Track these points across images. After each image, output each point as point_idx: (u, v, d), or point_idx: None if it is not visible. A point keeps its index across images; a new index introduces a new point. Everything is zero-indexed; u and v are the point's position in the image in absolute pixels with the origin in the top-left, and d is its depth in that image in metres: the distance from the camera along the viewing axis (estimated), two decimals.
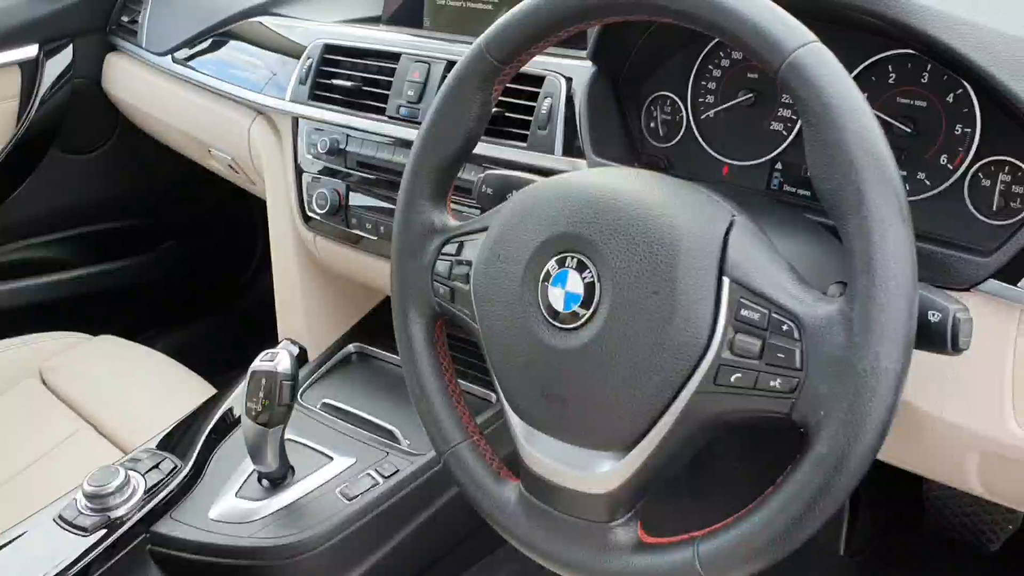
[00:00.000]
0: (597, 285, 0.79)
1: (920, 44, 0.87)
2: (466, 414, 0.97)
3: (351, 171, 1.46)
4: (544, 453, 0.86)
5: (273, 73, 1.63)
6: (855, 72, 1.01)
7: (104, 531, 1.20)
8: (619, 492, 0.81)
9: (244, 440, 1.24)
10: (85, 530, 1.20)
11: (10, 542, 1.20)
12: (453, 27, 1.49)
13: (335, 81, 1.45)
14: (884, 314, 0.66)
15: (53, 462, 1.44)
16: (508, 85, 1.23)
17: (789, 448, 0.75)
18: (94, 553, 1.18)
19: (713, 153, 1.15)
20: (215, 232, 2.52)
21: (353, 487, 1.28)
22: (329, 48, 1.49)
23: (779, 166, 1.09)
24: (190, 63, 1.82)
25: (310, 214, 1.52)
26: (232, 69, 1.73)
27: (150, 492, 1.26)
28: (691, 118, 1.16)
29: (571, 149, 1.19)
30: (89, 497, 1.22)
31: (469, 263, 0.91)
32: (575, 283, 0.80)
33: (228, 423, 1.42)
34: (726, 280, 0.75)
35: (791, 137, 1.07)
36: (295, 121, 1.53)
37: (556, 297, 0.81)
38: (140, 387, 1.66)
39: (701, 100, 1.16)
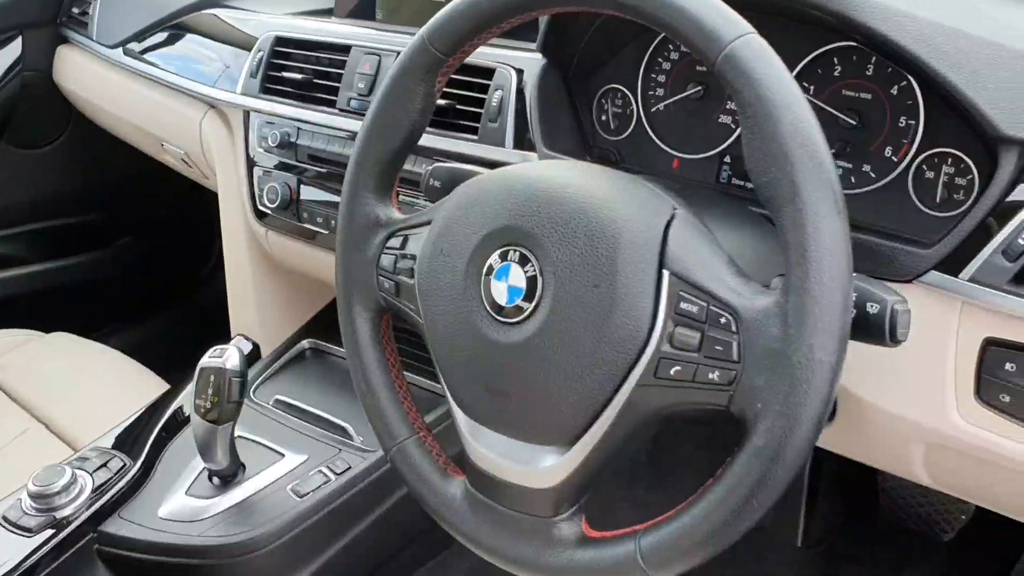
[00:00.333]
0: (539, 279, 0.78)
1: (862, 36, 0.87)
2: (413, 410, 0.96)
3: (302, 165, 1.44)
4: (488, 448, 0.85)
5: (226, 66, 1.61)
6: (801, 64, 1.01)
7: (50, 532, 1.18)
8: (563, 487, 0.81)
9: (194, 438, 1.22)
10: (30, 531, 1.17)
11: None
12: (406, 19, 1.48)
13: (286, 74, 1.44)
14: (818, 306, 0.66)
15: (2, 461, 1.41)
16: (458, 77, 1.24)
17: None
18: (39, 554, 1.16)
19: (663, 146, 1.15)
20: (172, 227, 2.49)
21: (304, 484, 1.27)
22: (280, 40, 1.48)
23: (727, 159, 1.09)
24: (141, 56, 1.80)
25: (261, 208, 1.51)
26: (184, 62, 1.71)
27: (98, 491, 1.24)
28: (641, 111, 1.16)
29: (522, 142, 1.19)
30: (34, 497, 1.20)
31: (414, 257, 0.90)
32: (517, 277, 0.79)
33: (179, 421, 1.40)
34: (666, 273, 0.74)
35: (739, 130, 1.07)
36: (246, 114, 1.52)
37: (499, 291, 0.80)
38: (92, 385, 1.64)
39: (651, 93, 1.15)
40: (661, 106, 1.15)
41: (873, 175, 0.98)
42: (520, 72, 1.20)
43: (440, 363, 0.87)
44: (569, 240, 0.77)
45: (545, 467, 0.81)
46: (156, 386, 1.60)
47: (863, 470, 1.21)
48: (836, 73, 1.00)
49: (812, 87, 1.02)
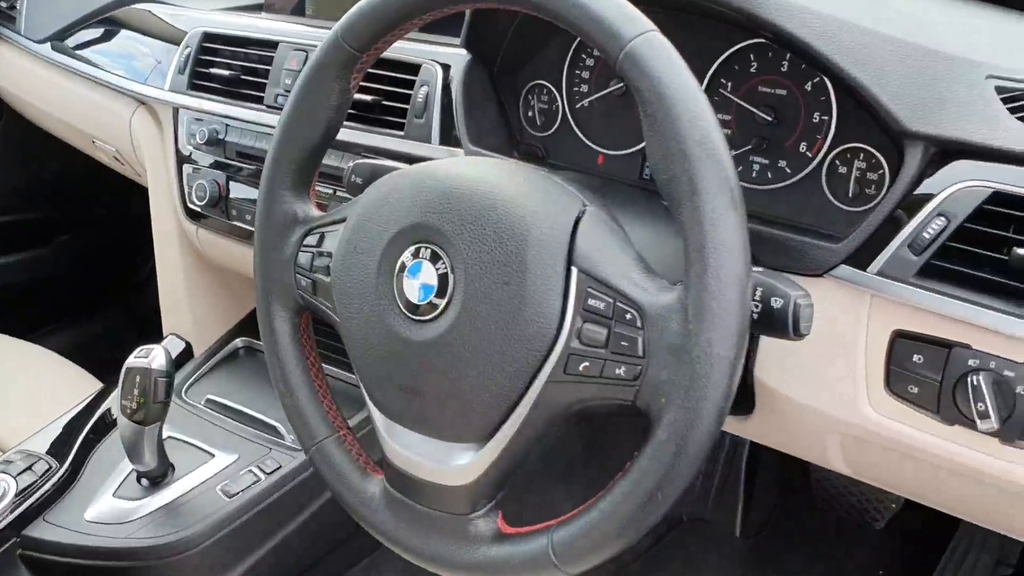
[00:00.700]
0: (451, 276, 0.78)
1: (769, 34, 0.88)
2: (333, 409, 0.96)
3: (231, 161, 1.43)
4: (404, 447, 0.85)
5: (157, 61, 1.59)
6: (718, 62, 1.02)
7: None
8: (478, 484, 0.81)
9: (121, 439, 1.21)
10: None
11: None
12: (335, 14, 1.46)
13: (214, 70, 1.42)
14: (715, 302, 0.67)
15: None
16: (385, 73, 1.23)
17: None
18: None
19: (588, 142, 1.15)
20: (112, 226, 2.45)
21: (234, 484, 1.26)
22: (208, 36, 1.46)
23: None
24: (71, 51, 1.77)
25: (191, 206, 1.49)
26: (114, 57, 1.68)
27: (22, 495, 1.22)
28: (566, 107, 1.16)
29: (448, 138, 1.19)
30: None
31: (330, 255, 0.89)
32: (429, 274, 0.79)
33: (108, 423, 1.38)
34: (574, 270, 0.75)
35: None
36: (175, 111, 1.50)
37: (411, 289, 0.80)
38: (24, 386, 1.61)
39: (576, 89, 1.16)
40: (586, 102, 1.15)
41: (789, 171, 1.00)
42: (446, 68, 1.20)
43: (356, 362, 0.87)
44: (479, 237, 0.77)
45: (460, 465, 0.81)
46: (92, 388, 1.58)
47: (797, 462, 1.22)
48: (752, 70, 1.01)
49: (730, 84, 1.03)
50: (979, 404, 0.81)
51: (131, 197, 2.26)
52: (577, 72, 1.15)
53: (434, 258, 0.79)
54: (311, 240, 0.92)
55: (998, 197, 0.81)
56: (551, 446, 1.71)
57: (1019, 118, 0.83)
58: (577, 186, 0.81)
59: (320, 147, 0.94)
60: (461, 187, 0.79)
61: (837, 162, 0.97)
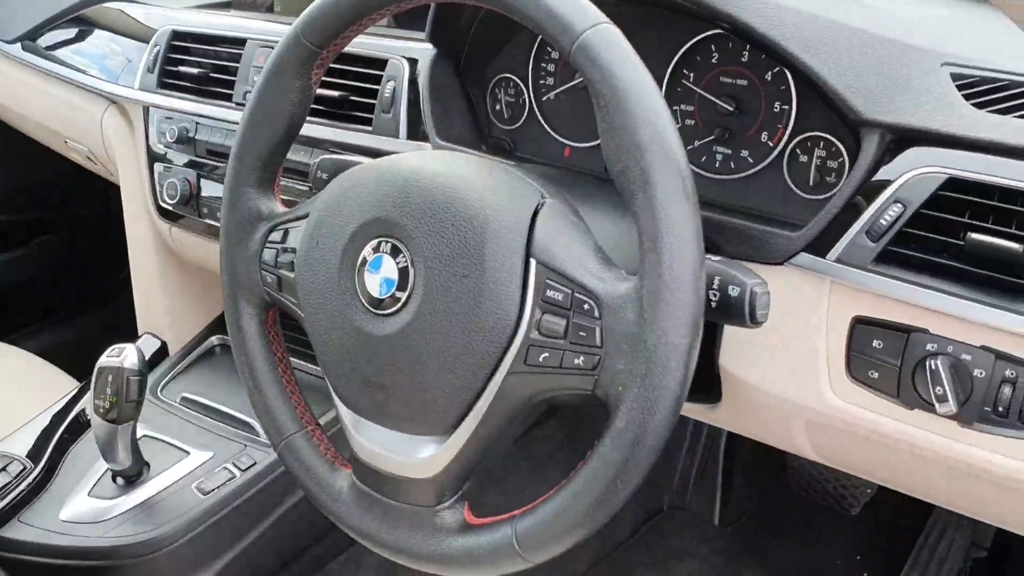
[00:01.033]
0: (411, 269, 0.78)
1: (727, 24, 0.89)
2: (301, 404, 0.96)
3: (202, 160, 1.43)
4: (370, 440, 0.85)
5: (128, 60, 1.58)
6: (680, 52, 1.03)
7: None
8: (443, 476, 0.82)
9: (95, 439, 1.21)
10: None
11: None
12: (303, 10, 1.47)
13: (183, 68, 1.42)
14: (669, 291, 0.67)
15: None
16: (352, 68, 1.23)
17: None
18: None
19: (555, 135, 1.16)
20: (92, 227, 2.44)
21: (209, 481, 1.27)
22: (176, 35, 1.46)
23: None
24: (42, 51, 1.76)
25: (163, 204, 1.49)
26: (85, 57, 1.67)
27: None
28: (533, 100, 1.17)
29: (416, 133, 1.19)
30: None
31: (294, 250, 0.90)
32: (390, 268, 0.79)
33: (82, 423, 1.38)
34: (533, 262, 0.75)
35: None
36: (146, 110, 1.50)
37: (373, 283, 0.80)
38: (0, 388, 1.61)
39: (542, 82, 1.16)
40: (552, 95, 1.16)
41: (751, 160, 1.00)
42: (413, 62, 1.20)
43: (320, 357, 0.87)
44: (438, 231, 0.77)
45: (424, 457, 0.82)
46: (69, 388, 1.58)
47: (773, 450, 1.24)
48: (714, 60, 1.02)
49: (692, 75, 1.03)
50: (937, 388, 0.82)
51: (111, 198, 2.25)
52: (543, 65, 1.16)
53: (394, 252, 0.79)
54: (276, 236, 0.92)
55: (954, 183, 0.82)
56: (529, 442, 1.72)
57: (974, 105, 0.84)
58: (537, 178, 0.82)
59: (283, 143, 0.94)
60: (420, 181, 0.80)
61: (798, 151, 0.97)
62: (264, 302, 0.95)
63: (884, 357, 0.86)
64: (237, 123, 1.35)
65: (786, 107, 0.98)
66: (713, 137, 1.02)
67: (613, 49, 0.70)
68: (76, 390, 1.51)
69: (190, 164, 1.45)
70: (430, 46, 1.18)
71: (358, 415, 0.86)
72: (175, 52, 1.46)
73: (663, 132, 0.69)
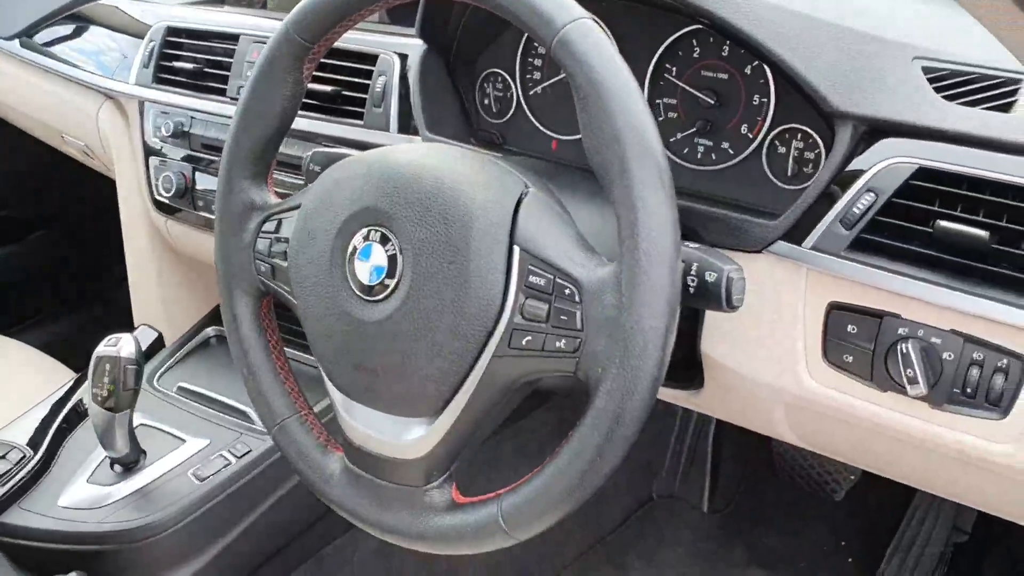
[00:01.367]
0: (399, 257, 0.81)
1: (705, 19, 0.92)
2: (295, 390, 0.99)
3: (197, 153, 1.46)
4: (361, 423, 0.88)
5: (124, 55, 1.61)
6: (663, 47, 1.06)
7: None
8: (431, 456, 0.84)
9: (93, 427, 1.23)
10: None
11: None
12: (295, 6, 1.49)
13: (178, 64, 1.45)
14: (646, 276, 0.70)
15: None
16: (343, 63, 1.26)
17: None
18: None
19: (542, 128, 1.18)
20: (88, 222, 2.46)
21: (205, 468, 1.29)
22: (171, 30, 1.49)
23: None
24: (39, 47, 1.78)
25: (158, 198, 1.52)
26: (82, 53, 1.70)
27: None
28: (520, 94, 1.20)
29: (407, 127, 1.22)
30: None
31: (287, 240, 0.92)
32: (379, 256, 0.82)
33: (80, 412, 1.41)
34: (516, 249, 0.78)
35: None
36: (141, 104, 1.52)
37: (363, 270, 0.83)
38: None
39: (529, 76, 1.19)
40: (539, 89, 1.18)
41: (731, 151, 1.03)
42: (403, 58, 1.23)
43: (313, 343, 0.90)
44: (425, 219, 0.80)
45: (413, 439, 0.84)
46: (67, 379, 1.60)
47: (760, 438, 1.26)
48: (695, 55, 1.04)
49: (674, 69, 1.06)
50: (908, 370, 0.85)
51: (108, 193, 2.28)
52: (530, 60, 1.18)
53: (383, 240, 0.82)
54: (269, 226, 0.95)
55: (924, 172, 0.85)
56: (519, 432, 1.74)
57: (944, 97, 0.87)
58: (522, 170, 0.85)
59: (276, 136, 0.96)
60: (408, 171, 0.82)
61: (777, 142, 1.00)
62: (258, 291, 0.97)
63: (858, 341, 0.89)
64: (231, 117, 1.39)
65: (765, 100, 1.00)
66: (695, 129, 1.05)
67: (592, 44, 0.73)
68: (73, 381, 1.54)
69: (185, 158, 1.48)
70: (420, 41, 1.21)
71: (349, 398, 0.89)
72: (170, 48, 1.48)
73: (640, 124, 0.72)
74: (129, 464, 1.28)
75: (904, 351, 0.85)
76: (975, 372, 0.84)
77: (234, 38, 1.40)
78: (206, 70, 1.42)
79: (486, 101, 1.23)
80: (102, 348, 1.21)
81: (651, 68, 1.07)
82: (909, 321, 0.86)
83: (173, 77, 1.47)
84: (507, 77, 1.21)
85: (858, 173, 0.88)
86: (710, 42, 1.03)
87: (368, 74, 1.25)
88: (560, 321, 0.76)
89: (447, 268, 0.79)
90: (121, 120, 1.60)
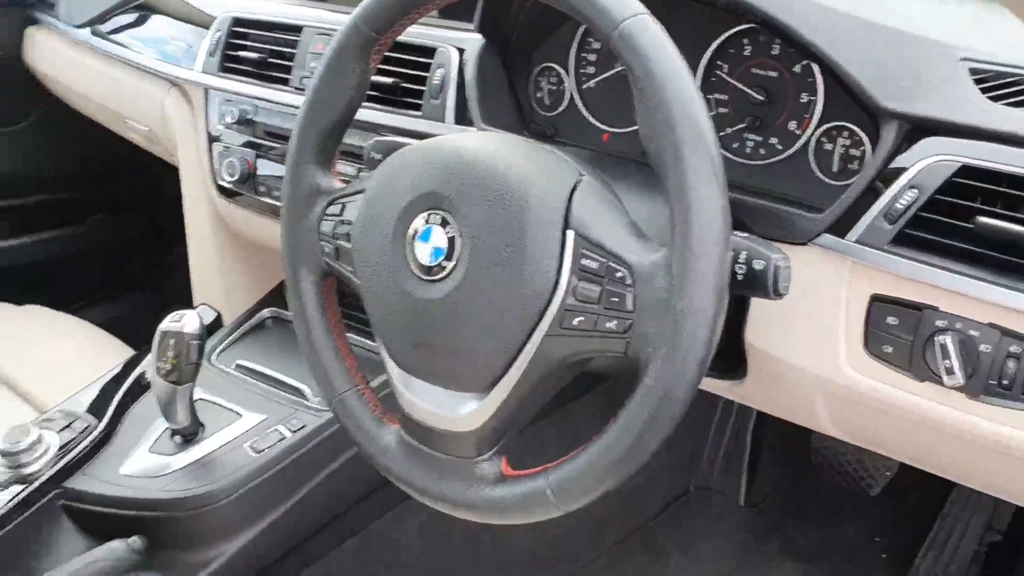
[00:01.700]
0: (458, 240, 0.85)
1: (757, 19, 0.95)
2: (353, 366, 1.03)
3: (260, 141, 1.51)
4: (418, 397, 0.92)
5: (188, 45, 1.67)
6: (715, 45, 1.09)
7: (17, 487, 1.24)
8: (483, 430, 0.88)
9: (156, 399, 1.29)
10: None
11: None
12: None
13: (243, 53, 1.50)
14: (697, 260, 0.74)
15: None
16: (403, 56, 1.31)
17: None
18: (7, 507, 1.22)
19: (594, 121, 1.22)
20: (145, 208, 2.54)
21: (261, 441, 1.34)
22: (237, 21, 1.54)
23: None
24: (108, 36, 1.85)
25: (221, 183, 1.57)
26: (148, 41, 1.76)
27: (63, 449, 1.31)
28: (574, 88, 1.23)
29: (463, 118, 1.26)
30: (2, 454, 1.26)
31: (350, 222, 0.97)
32: (439, 238, 0.87)
33: (142, 385, 1.46)
34: (570, 233, 0.82)
35: None
36: (206, 92, 1.58)
37: (423, 252, 0.88)
38: (62, 353, 1.70)
39: (583, 71, 1.23)
40: (592, 83, 1.22)
41: (779, 147, 1.06)
42: (461, 51, 1.27)
43: (374, 320, 0.95)
44: (483, 204, 0.84)
45: (466, 412, 0.89)
46: (125, 355, 1.66)
47: (798, 432, 1.29)
48: (746, 53, 1.08)
49: (725, 66, 1.09)
50: (946, 361, 0.87)
51: (166, 181, 2.35)
52: (584, 55, 1.22)
53: (443, 223, 0.86)
54: (333, 210, 1.00)
55: (966, 170, 0.87)
56: (568, 415, 1.77)
57: (989, 98, 0.90)
58: (575, 158, 0.89)
59: (342, 124, 1.01)
60: (467, 158, 0.87)
61: (823, 139, 1.03)
62: (322, 271, 1.02)
63: (898, 333, 0.92)
64: (294, 106, 1.45)
65: (812, 98, 1.03)
66: (744, 125, 1.08)
67: (651, 37, 0.77)
68: (134, 356, 1.60)
69: (248, 144, 1.53)
70: (478, 36, 1.25)
71: (407, 373, 0.93)
72: (235, 38, 1.54)
73: (695, 113, 0.75)
74: (189, 436, 1.34)
75: (942, 343, 0.88)
76: (1012, 364, 0.86)
77: (297, 30, 1.45)
78: (270, 60, 1.48)
79: (539, 94, 1.27)
80: (167, 323, 1.26)
81: (703, 65, 1.11)
82: (948, 314, 0.89)
83: (238, 66, 1.53)
84: (561, 71, 1.24)
85: (902, 170, 0.90)
86: (760, 41, 1.06)
87: (427, 67, 1.29)
88: (611, 303, 0.79)
89: (504, 251, 0.83)
90: (186, 107, 1.66)
